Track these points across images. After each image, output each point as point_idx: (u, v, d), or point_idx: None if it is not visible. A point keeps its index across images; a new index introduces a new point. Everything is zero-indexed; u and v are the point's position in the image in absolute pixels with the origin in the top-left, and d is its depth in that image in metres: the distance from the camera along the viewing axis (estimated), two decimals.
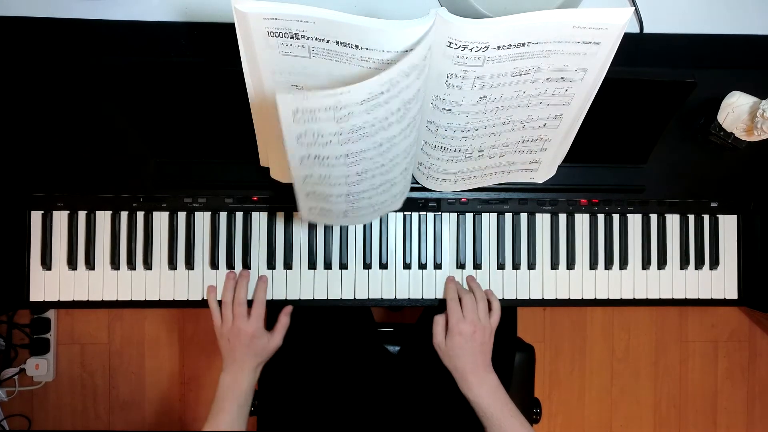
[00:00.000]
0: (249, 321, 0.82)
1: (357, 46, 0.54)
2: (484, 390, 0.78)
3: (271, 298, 0.88)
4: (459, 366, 0.80)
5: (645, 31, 0.86)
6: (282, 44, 0.56)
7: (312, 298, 0.88)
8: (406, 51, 0.55)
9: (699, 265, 0.91)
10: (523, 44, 0.57)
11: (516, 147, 0.74)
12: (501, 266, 0.89)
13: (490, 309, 0.84)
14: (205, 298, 0.87)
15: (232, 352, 0.81)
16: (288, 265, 0.88)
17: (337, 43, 0.54)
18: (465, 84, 0.60)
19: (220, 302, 0.84)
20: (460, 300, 0.82)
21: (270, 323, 0.86)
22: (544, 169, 0.81)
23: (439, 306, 0.88)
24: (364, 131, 0.58)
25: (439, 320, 0.83)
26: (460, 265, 0.89)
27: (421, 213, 0.89)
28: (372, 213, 0.77)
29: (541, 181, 0.83)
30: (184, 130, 0.78)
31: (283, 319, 0.86)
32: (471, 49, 0.56)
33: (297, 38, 0.55)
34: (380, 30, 0.52)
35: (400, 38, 0.53)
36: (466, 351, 0.79)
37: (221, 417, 0.78)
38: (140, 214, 0.87)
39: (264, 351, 0.83)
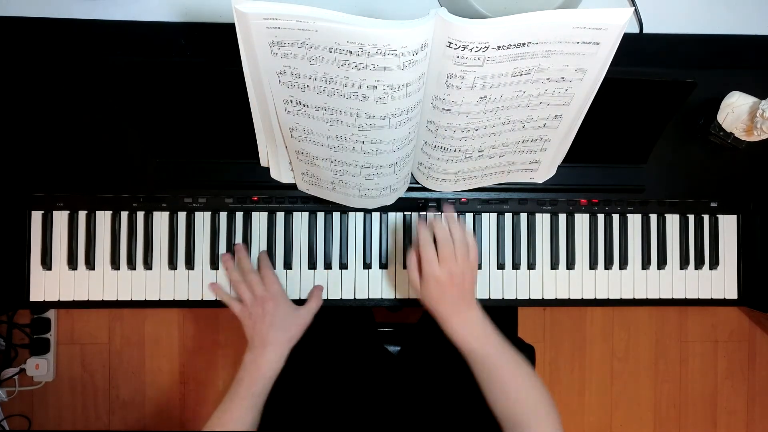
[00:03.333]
0: (266, 287, 0.80)
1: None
2: (465, 331, 0.74)
3: None
4: (439, 310, 0.75)
5: (645, 31, 0.86)
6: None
7: None
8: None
9: (699, 265, 0.91)
10: (523, 44, 0.57)
11: (516, 147, 0.74)
12: (501, 266, 0.89)
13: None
14: (205, 298, 0.87)
15: (255, 327, 0.78)
16: (288, 265, 0.88)
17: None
18: (465, 84, 0.61)
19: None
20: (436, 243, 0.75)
21: None
22: (544, 169, 0.81)
23: None
24: (336, 87, 0.59)
25: (411, 259, 0.77)
26: None
27: (421, 213, 0.89)
28: (359, 198, 0.78)
29: (541, 181, 0.83)
30: (184, 130, 0.78)
31: (317, 293, 0.84)
32: (471, 50, 0.56)
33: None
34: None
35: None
36: (445, 298, 0.74)
37: (235, 402, 0.74)
38: (140, 214, 0.87)
39: (291, 323, 0.79)
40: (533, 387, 0.72)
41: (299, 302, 0.87)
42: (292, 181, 0.80)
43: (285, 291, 0.83)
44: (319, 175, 0.75)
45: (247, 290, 0.81)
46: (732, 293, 0.92)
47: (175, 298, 0.87)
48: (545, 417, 0.70)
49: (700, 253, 0.91)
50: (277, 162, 0.77)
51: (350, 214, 0.88)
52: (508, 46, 0.56)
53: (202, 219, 0.88)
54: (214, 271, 0.87)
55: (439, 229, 0.75)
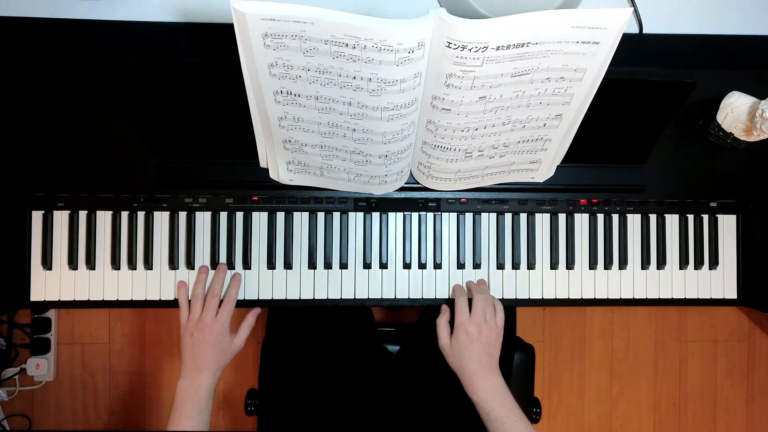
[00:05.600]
0: (217, 317, 0.81)
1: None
2: (489, 393, 0.77)
3: (271, 298, 0.88)
4: (464, 366, 0.79)
5: (644, 31, 0.86)
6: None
7: (312, 298, 0.88)
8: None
9: (698, 265, 0.91)
10: (523, 44, 0.57)
11: (516, 147, 0.75)
12: (500, 266, 0.89)
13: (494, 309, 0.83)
14: None
15: (193, 351, 0.79)
16: (288, 265, 0.88)
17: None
18: (464, 84, 0.61)
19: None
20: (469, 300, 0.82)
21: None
22: (544, 169, 0.81)
23: (437, 307, 0.88)
24: (330, 77, 0.60)
25: (441, 323, 0.83)
26: (460, 265, 0.89)
27: (420, 213, 0.89)
28: (348, 181, 0.79)
29: (541, 181, 0.83)
30: (184, 130, 0.78)
31: (249, 319, 0.85)
32: (470, 50, 0.56)
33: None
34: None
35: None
36: (472, 351, 0.79)
37: (181, 423, 0.75)
38: (141, 214, 0.87)
39: (225, 353, 0.82)
40: None
41: (300, 302, 0.88)
42: (290, 182, 0.80)
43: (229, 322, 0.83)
44: (307, 161, 0.75)
45: (199, 308, 0.82)
46: (731, 293, 0.92)
47: (176, 298, 0.87)
48: None
49: (700, 253, 0.91)
50: (276, 162, 0.77)
51: (350, 214, 0.89)
52: (508, 47, 0.56)
53: (203, 219, 0.88)
54: (214, 271, 0.87)
55: (474, 287, 0.85)
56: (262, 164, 0.80)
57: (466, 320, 0.80)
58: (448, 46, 0.56)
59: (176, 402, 0.77)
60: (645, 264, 0.91)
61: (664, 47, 0.86)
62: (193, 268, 0.87)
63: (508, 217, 0.90)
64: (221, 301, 0.83)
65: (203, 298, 0.83)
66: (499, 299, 0.89)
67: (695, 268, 0.91)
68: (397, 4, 0.85)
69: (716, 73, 0.83)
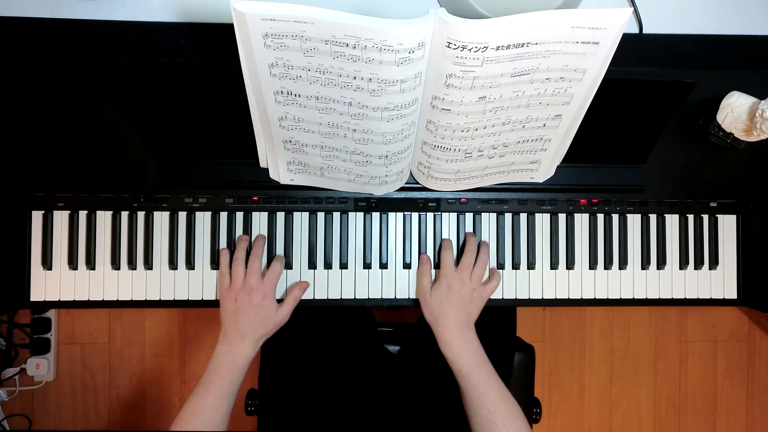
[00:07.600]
0: (263, 281, 0.78)
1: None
2: (461, 347, 0.76)
3: None
4: (440, 319, 0.77)
5: (644, 31, 0.86)
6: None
7: (312, 298, 0.88)
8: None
9: (698, 265, 0.91)
10: (523, 44, 0.57)
11: (516, 147, 0.75)
12: (500, 266, 0.89)
13: (490, 278, 0.81)
14: (206, 298, 0.87)
15: (236, 316, 0.77)
16: (288, 265, 0.88)
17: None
18: (464, 84, 0.61)
19: None
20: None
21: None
22: (544, 169, 0.81)
23: None
24: (331, 77, 0.60)
25: (424, 269, 0.81)
26: None
27: (420, 213, 0.89)
28: (348, 182, 0.79)
29: (541, 181, 0.83)
30: (185, 130, 0.78)
31: (296, 292, 0.82)
32: (470, 50, 0.56)
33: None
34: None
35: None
36: (450, 303, 0.77)
37: (210, 391, 0.73)
38: (141, 214, 0.87)
39: (270, 321, 0.78)
40: (520, 418, 0.74)
41: (300, 302, 0.88)
42: (290, 182, 0.80)
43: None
44: (307, 161, 0.75)
45: (242, 272, 0.79)
46: (731, 293, 0.92)
47: (176, 298, 0.88)
48: None
49: (700, 253, 0.91)
50: (276, 162, 0.77)
51: (350, 214, 0.89)
52: (508, 47, 0.57)
53: (203, 219, 0.88)
54: (215, 270, 0.88)
55: (470, 242, 0.81)
56: (262, 164, 0.80)
57: (450, 273, 0.78)
58: (448, 46, 0.56)
59: (210, 367, 0.75)
60: (645, 264, 0.91)
61: (664, 47, 0.86)
62: (193, 268, 0.87)
63: (508, 217, 0.90)
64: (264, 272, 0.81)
65: (245, 262, 0.80)
66: (499, 299, 0.89)
67: (695, 268, 0.92)
68: (397, 4, 0.85)
69: (716, 73, 0.83)
